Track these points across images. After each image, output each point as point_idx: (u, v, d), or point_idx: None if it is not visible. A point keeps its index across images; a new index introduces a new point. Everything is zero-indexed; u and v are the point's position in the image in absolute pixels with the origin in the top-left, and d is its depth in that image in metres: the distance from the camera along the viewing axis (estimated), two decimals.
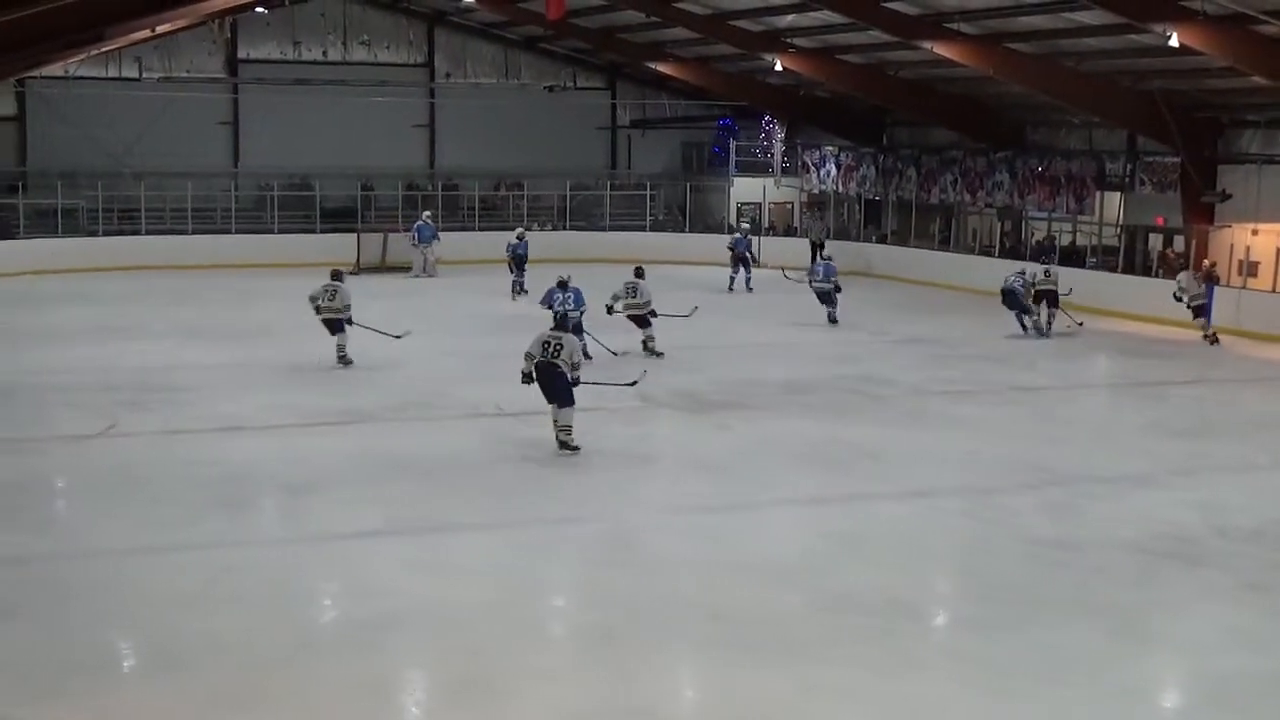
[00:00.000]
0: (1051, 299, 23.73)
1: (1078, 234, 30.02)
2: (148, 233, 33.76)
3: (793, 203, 38.53)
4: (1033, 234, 31.44)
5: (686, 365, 20.02)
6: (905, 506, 12.90)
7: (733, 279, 29.69)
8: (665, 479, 14.18)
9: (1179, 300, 23.29)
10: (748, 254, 30.15)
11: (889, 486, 13.57)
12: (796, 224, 37.96)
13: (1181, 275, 23.96)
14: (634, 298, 20.99)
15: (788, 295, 26.58)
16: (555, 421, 14.40)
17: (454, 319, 24.53)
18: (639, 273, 21.52)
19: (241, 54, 36.83)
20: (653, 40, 34.91)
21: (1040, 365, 21.20)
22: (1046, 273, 24.17)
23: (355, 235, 32.78)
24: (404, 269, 31.92)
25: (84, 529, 12.00)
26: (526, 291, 26.53)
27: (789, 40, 30.01)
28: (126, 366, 19.43)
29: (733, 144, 38.14)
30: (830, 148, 36.21)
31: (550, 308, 18.54)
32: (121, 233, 33.59)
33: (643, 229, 37.09)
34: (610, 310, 20.86)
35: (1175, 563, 11.30)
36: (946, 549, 11.79)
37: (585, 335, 19.30)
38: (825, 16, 26.88)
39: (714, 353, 21.51)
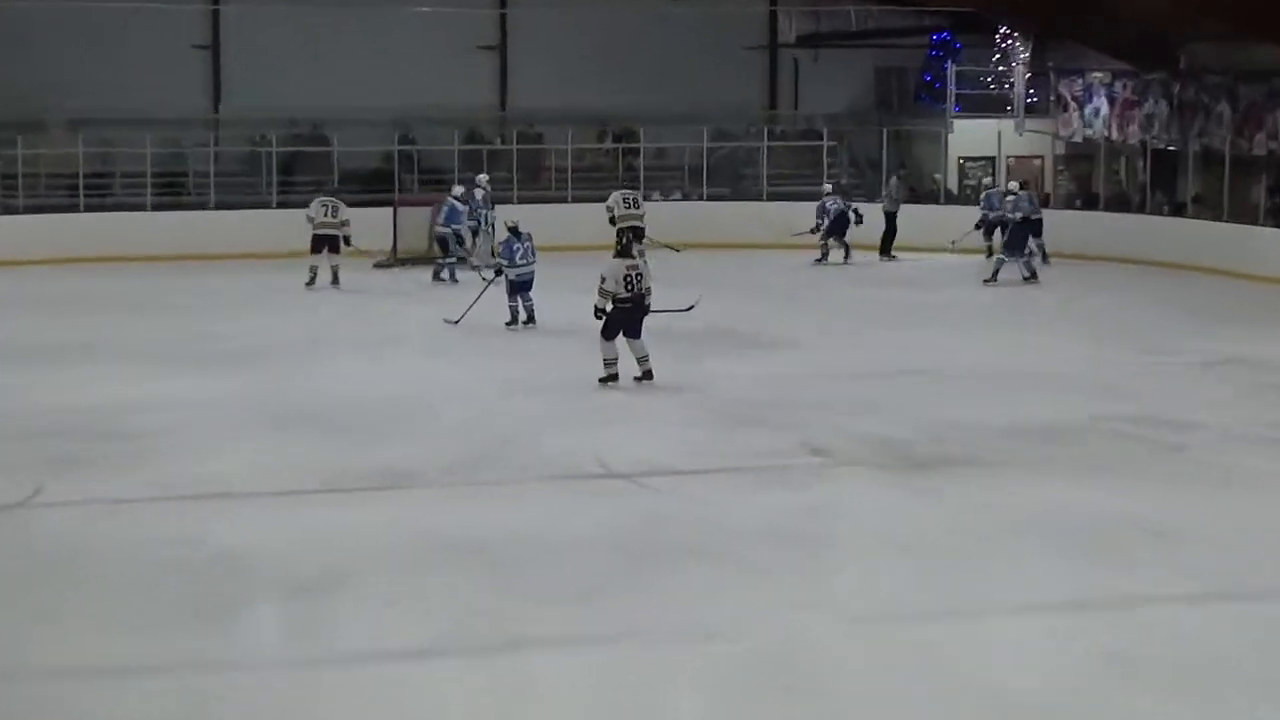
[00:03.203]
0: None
1: None
2: (87, 209, 34.36)
3: (1043, 156, 38.33)
4: None
5: (876, 401, 20.15)
6: (1210, 614, 12.84)
7: None
8: (847, 571, 14.22)
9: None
10: None
11: (1185, 584, 13.48)
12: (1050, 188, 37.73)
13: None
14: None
15: (1020, 297, 26.33)
16: (638, 355, 20.09)
17: (530, 333, 24.64)
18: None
19: None
20: None
21: None
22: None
23: (390, 210, 32.98)
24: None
25: (2, 642, 12.20)
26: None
27: None
28: (60, 405, 19.78)
29: (952, 69, 38.08)
30: (1099, 75, 36.03)
31: (511, 261, 24.76)
32: (52, 209, 34.33)
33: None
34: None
35: None
36: (1274, 677, 11.72)
37: (532, 295, 24.99)
38: None
39: (918, 381, 21.68)
